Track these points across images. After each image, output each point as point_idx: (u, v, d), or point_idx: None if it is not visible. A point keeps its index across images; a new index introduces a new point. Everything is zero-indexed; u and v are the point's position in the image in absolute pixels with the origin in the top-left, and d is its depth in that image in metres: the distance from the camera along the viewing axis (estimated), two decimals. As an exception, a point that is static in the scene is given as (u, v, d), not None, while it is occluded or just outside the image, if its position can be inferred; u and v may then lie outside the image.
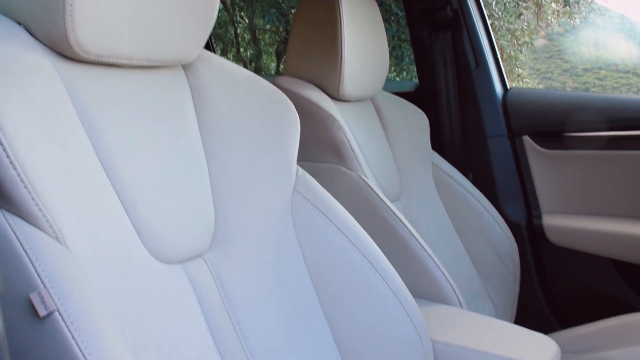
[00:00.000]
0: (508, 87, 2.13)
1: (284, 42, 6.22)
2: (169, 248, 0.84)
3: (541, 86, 8.07)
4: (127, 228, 0.79)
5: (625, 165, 1.98)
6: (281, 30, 6.28)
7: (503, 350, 1.16)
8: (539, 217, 2.05)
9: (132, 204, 0.80)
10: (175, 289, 0.83)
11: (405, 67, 5.38)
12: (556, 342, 1.86)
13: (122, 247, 0.77)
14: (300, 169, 1.08)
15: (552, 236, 2.03)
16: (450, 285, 1.39)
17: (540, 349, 1.21)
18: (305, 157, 1.44)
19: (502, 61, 2.18)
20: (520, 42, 7.07)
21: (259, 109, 1.04)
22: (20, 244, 0.64)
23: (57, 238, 0.67)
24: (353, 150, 1.44)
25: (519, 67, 7.19)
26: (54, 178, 0.70)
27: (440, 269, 1.39)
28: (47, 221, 0.67)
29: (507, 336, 1.25)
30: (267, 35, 6.74)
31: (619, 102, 1.99)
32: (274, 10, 5.29)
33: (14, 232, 0.65)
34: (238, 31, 6.64)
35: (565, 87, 8.14)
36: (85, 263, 0.70)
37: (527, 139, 2.06)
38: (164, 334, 0.78)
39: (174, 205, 0.86)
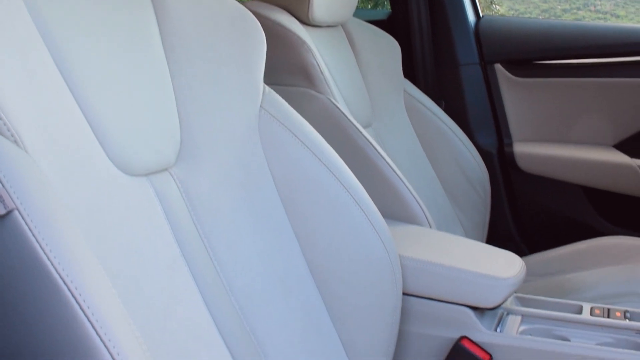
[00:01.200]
0: (480, 15, 2.12)
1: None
2: (133, 160, 0.83)
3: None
4: (90, 138, 0.79)
5: (595, 92, 1.99)
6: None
7: (470, 265, 1.18)
8: (510, 144, 2.07)
9: (94, 115, 0.80)
10: (141, 201, 0.83)
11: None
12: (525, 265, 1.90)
13: (85, 156, 0.77)
14: (267, 87, 1.07)
15: (522, 163, 2.06)
16: (420, 207, 1.40)
17: (506, 264, 1.23)
18: (274, 81, 1.43)
19: (480, 1, 2.17)
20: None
21: (224, 25, 1.03)
22: None
23: (15, 142, 0.67)
24: (323, 74, 1.44)
25: (496, 4, 7.15)
26: (12, 83, 0.69)
27: (410, 192, 1.40)
28: (5, 124, 0.66)
29: (474, 252, 1.28)
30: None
31: (590, 30, 2.00)
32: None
33: None
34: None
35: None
36: (46, 169, 0.70)
37: (499, 67, 2.06)
38: (130, 243, 0.78)
39: (138, 118, 0.86)
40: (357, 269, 1.07)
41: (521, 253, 2.01)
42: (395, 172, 1.40)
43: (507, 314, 1.26)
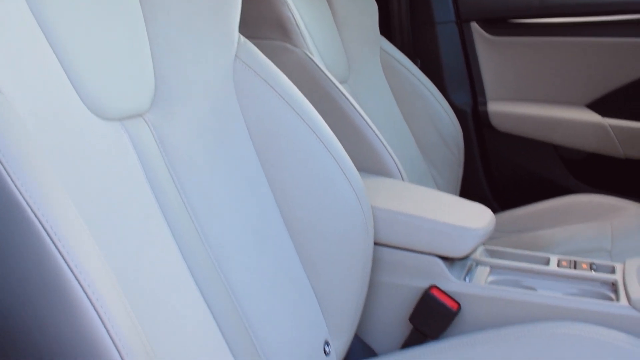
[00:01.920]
0: (457, -27, 2.13)
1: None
2: (106, 104, 0.84)
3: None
4: (63, 81, 0.79)
5: (569, 52, 2.01)
6: None
7: (440, 216, 1.21)
8: (485, 103, 2.09)
9: (67, 59, 0.80)
10: (114, 145, 0.84)
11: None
12: (497, 223, 1.93)
13: (59, 100, 0.77)
14: (242, 37, 1.08)
15: (496, 122, 2.08)
16: (394, 161, 1.42)
17: (476, 215, 1.25)
18: (250, 34, 1.43)
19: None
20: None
21: None
22: None
23: None
24: (299, 27, 1.44)
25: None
26: None
27: (384, 145, 1.42)
28: None
29: (445, 204, 1.30)
30: None
31: None
32: None
33: None
34: None
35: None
36: (21, 112, 0.70)
37: (475, 25, 2.07)
38: (103, 185, 0.79)
39: (112, 62, 0.86)
40: (329, 219, 1.09)
41: (493, 210, 2.04)
42: (369, 126, 1.41)
43: (477, 265, 1.29)
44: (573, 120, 2.01)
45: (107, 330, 0.60)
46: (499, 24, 2.05)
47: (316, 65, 1.43)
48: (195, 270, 0.88)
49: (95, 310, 0.60)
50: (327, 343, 1.09)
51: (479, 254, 1.32)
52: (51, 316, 0.60)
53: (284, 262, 1.05)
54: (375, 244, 1.20)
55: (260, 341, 0.95)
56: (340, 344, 1.12)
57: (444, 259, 1.21)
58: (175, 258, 0.86)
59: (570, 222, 1.85)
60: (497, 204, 2.10)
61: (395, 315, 1.23)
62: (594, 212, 1.87)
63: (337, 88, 1.43)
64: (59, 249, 0.60)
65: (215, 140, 1.00)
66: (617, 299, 1.16)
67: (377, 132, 1.42)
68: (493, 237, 1.84)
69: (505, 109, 2.07)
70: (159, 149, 0.91)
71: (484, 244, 1.41)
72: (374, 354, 1.25)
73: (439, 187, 1.89)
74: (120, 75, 0.87)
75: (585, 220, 1.85)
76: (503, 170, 2.13)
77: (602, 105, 2.01)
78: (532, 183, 2.11)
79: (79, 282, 0.60)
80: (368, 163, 1.41)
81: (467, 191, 2.05)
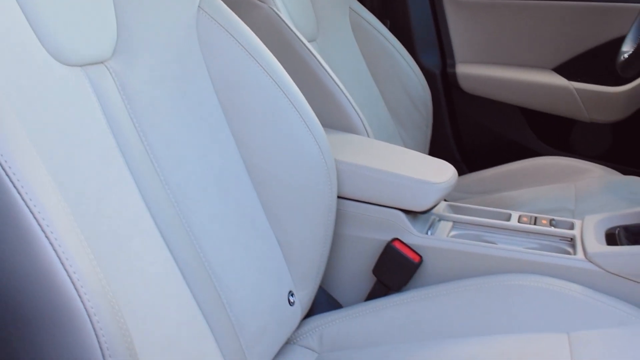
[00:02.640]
0: None
1: None
2: (68, 49, 0.83)
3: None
4: (24, 25, 0.79)
5: (537, 15, 2.03)
6: None
7: (403, 170, 1.22)
8: (453, 65, 2.10)
9: (27, 2, 0.80)
10: (75, 90, 0.84)
11: None
12: (463, 184, 1.96)
13: (19, 43, 0.77)
14: None
15: (464, 84, 2.10)
16: (360, 118, 1.43)
17: (439, 170, 1.27)
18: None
19: None
20: None
21: None
22: None
23: None
24: (265, -18, 1.43)
25: None
26: None
27: (351, 103, 1.43)
28: None
29: (409, 159, 1.32)
30: None
31: None
32: None
33: None
34: None
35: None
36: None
37: None
38: (64, 130, 0.79)
39: (72, 7, 0.85)
40: (293, 171, 1.10)
41: (461, 172, 2.07)
42: (336, 84, 1.42)
43: (439, 220, 1.31)
44: (540, 83, 2.03)
45: (63, 264, 0.60)
46: (468, -14, 2.06)
47: (283, 22, 1.43)
48: (158, 216, 0.88)
49: (51, 244, 0.60)
50: (291, 293, 1.10)
51: (442, 210, 1.34)
52: (7, 250, 0.60)
53: (248, 212, 1.06)
54: (340, 197, 1.21)
55: (224, 289, 0.96)
56: (305, 295, 1.14)
57: (407, 213, 1.23)
58: (137, 203, 0.86)
59: (536, 183, 1.89)
60: (465, 166, 2.12)
61: (359, 267, 1.25)
62: (559, 174, 1.91)
63: (305, 46, 1.43)
64: (14, 182, 0.60)
65: (178, 89, 1.00)
66: (575, 253, 1.19)
67: (344, 90, 1.43)
68: (459, 198, 1.87)
69: (474, 72, 2.09)
70: (121, 96, 0.91)
71: (447, 200, 1.43)
72: (339, 306, 1.27)
73: (407, 148, 1.91)
74: (81, 20, 0.87)
75: (550, 182, 1.88)
76: (471, 132, 2.15)
77: (569, 69, 2.03)
78: (499, 145, 2.14)
79: (34, 216, 0.60)
80: (334, 120, 1.42)
81: (436, 153, 2.05)
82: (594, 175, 1.88)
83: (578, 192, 1.75)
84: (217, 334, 0.92)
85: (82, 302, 0.61)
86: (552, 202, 1.71)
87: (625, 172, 1.87)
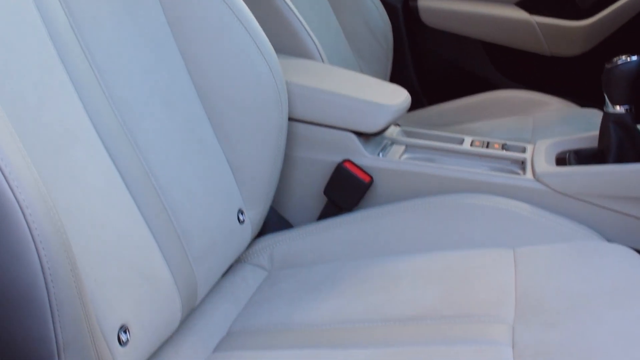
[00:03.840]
0: None
1: None
2: None
3: None
4: None
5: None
6: None
7: (354, 93, 1.22)
8: (415, -1, 2.09)
9: None
10: (15, 3, 0.82)
11: None
12: (423, 116, 1.97)
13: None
14: None
15: (426, 18, 2.09)
16: (315, 44, 1.42)
17: (391, 94, 1.28)
18: None
19: None
20: None
21: None
22: None
23: None
24: None
25: None
26: None
27: (305, 29, 1.41)
28: None
29: (362, 83, 1.32)
30: None
31: None
32: None
33: None
34: None
35: None
36: None
37: None
38: (2, 39, 0.78)
39: None
40: (242, 90, 1.10)
41: (422, 105, 2.09)
42: (290, 8, 1.40)
43: (392, 143, 1.32)
44: (501, 17, 2.03)
45: (1, 170, 0.60)
46: None
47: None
48: (100, 127, 0.87)
49: None
50: (241, 212, 1.11)
51: (395, 134, 1.35)
52: None
53: (195, 130, 1.06)
54: (291, 119, 1.21)
55: (170, 202, 0.96)
56: (256, 214, 1.14)
57: (359, 135, 1.23)
58: (78, 112, 0.85)
59: (495, 116, 1.90)
60: (426, 99, 2.13)
61: (310, 188, 1.26)
62: (519, 107, 1.92)
63: None
64: None
65: (123, 5, 0.98)
66: (524, 174, 1.21)
67: (298, 15, 1.41)
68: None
69: (435, 5, 2.08)
70: (63, 9, 0.89)
71: (400, 125, 1.44)
72: (291, 227, 1.28)
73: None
74: None
75: (509, 114, 1.90)
76: (432, 66, 2.15)
77: (530, 3, 2.03)
78: (460, 78, 2.14)
79: None
80: (288, 45, 1.41)
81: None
82: (552, 108, 1.89)
83: (536, 123, 1.77)
84: (163, 246, 0.92)
85: (13, 194, 0.60)
86: (510, 133, 1.73)
87: (583, 105, 1.89)
